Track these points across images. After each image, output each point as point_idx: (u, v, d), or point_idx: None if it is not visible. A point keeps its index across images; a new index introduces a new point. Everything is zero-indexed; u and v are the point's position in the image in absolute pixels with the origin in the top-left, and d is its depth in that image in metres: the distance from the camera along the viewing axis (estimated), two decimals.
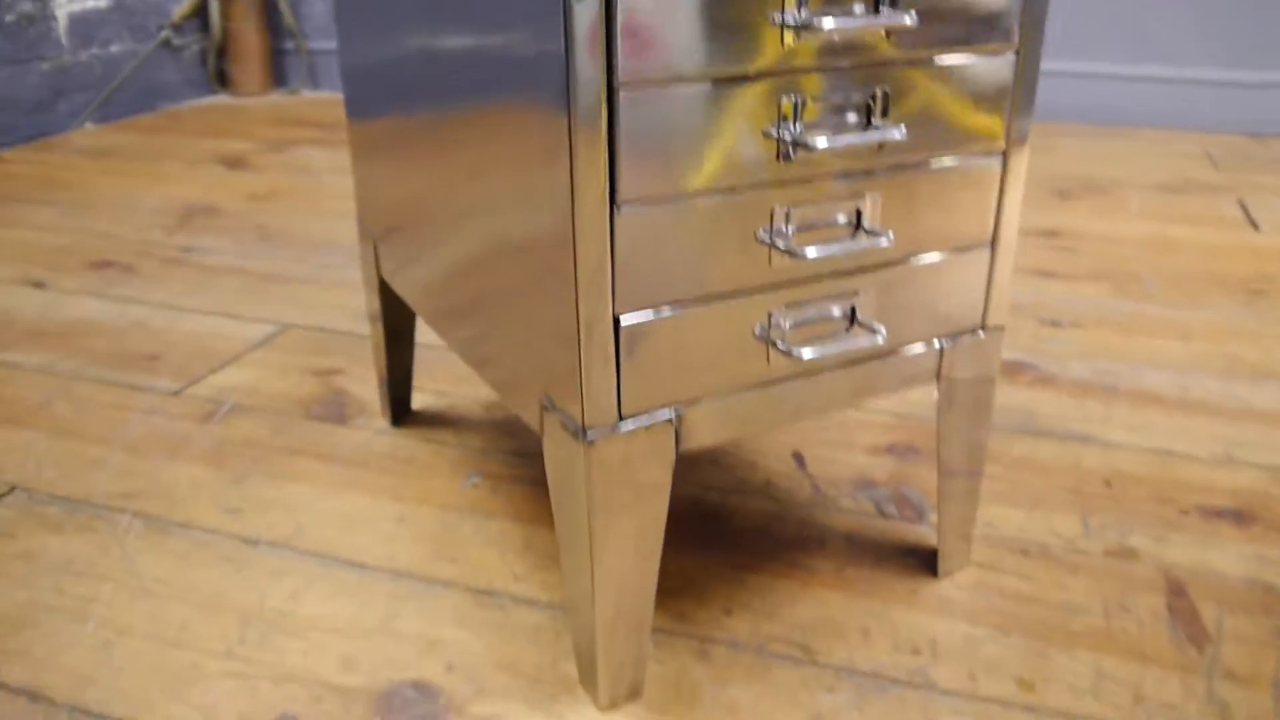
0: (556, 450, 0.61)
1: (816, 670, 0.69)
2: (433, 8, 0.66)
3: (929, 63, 0.60)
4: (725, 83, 0.54)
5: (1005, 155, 0.65)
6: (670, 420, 0.60)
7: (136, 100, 2.30)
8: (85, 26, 2.11)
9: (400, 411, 1.01)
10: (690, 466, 0.93)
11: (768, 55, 0.55)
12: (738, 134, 0.56)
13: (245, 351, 1.16)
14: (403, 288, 0.85)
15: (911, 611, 0.75)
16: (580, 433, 0.58)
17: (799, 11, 0.54)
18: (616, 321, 0.56)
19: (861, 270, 0.63)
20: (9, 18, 1.94)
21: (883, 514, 0.86)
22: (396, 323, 0.96)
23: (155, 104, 2.35)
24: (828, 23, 0.54)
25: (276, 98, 2.62)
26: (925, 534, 0.83)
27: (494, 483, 0.91)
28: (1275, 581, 0.77)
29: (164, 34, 2.30)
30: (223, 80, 2.58)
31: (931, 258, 0.66)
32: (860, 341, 0.63)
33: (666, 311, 0.58)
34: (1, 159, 1.98)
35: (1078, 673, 0.69)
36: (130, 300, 1.31)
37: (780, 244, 0.59)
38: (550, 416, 0.61)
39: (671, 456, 0.61)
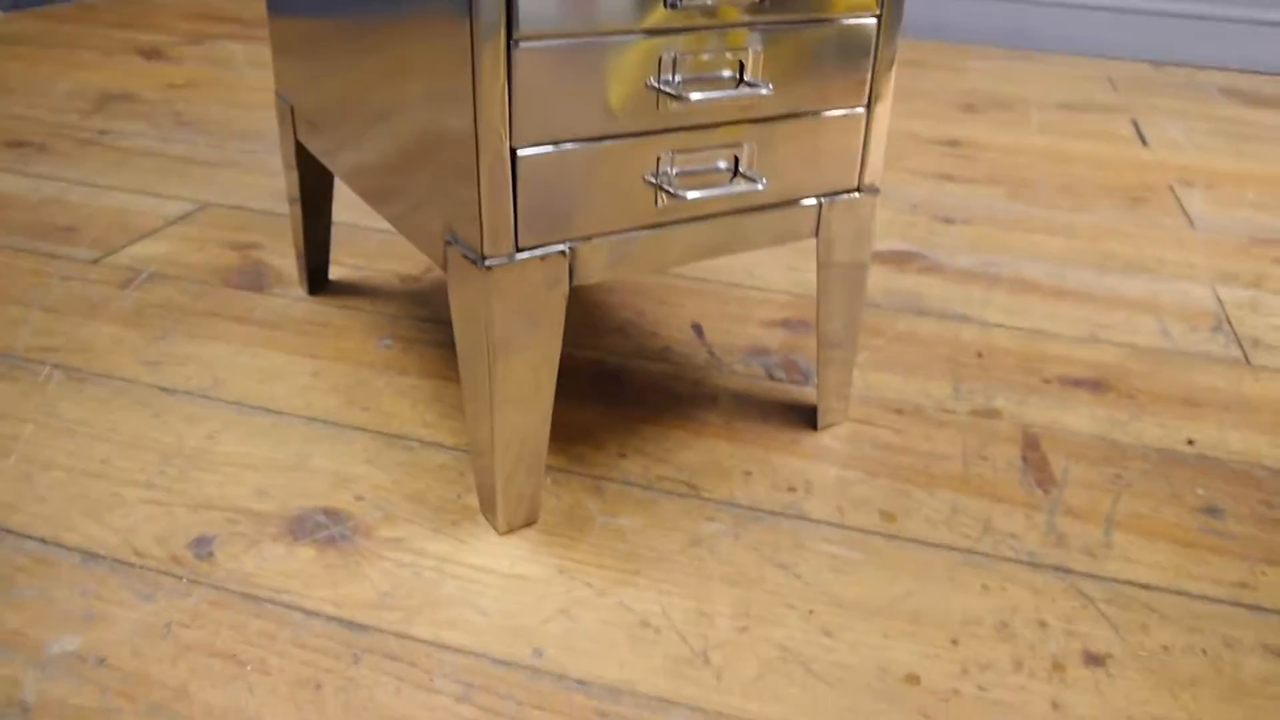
0: (459, 283, 0.66)
1: (700, 503, 0.76)
2: None
3: None
4: None
5: (879, 19, 0.70)
6: (564, 253, 0.65)
7: None
8: None
9: (317, 281, 1.04)
10: (593, 333, 0.99)
11: None
12: None
13: (163, 226, 1.18)
14: (317, 145, 0.88)
15: (790, 458, 0.81)
16: (479, 260, 0.62)
17: None
18: (514, 154, 0.60)
19: (745, 123, 0.68)
20: None
21: (772, 377, 0.92)
22: (313, 191, 0.99)
23: None
24: None
25: None
26: (810, 394, 0.90)
27: (406, 344, 0.95)
28: (1120, 438, 0.86)
29: None
30: None
31: (810, 117, 0.71)
32: (741, 188, 0.68)
33: (562, 147, 0.62)
34: None
35: (935, 508, 0.76)
36: (45, 177, 1.31)
37: (667, 88, 0.63)
38: (453, 250, 0.65)
39: (565, 288, 0.66)
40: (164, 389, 0.86)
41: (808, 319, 1.03)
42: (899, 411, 0.88)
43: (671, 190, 0.66)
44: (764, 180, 0.69)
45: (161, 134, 1.50)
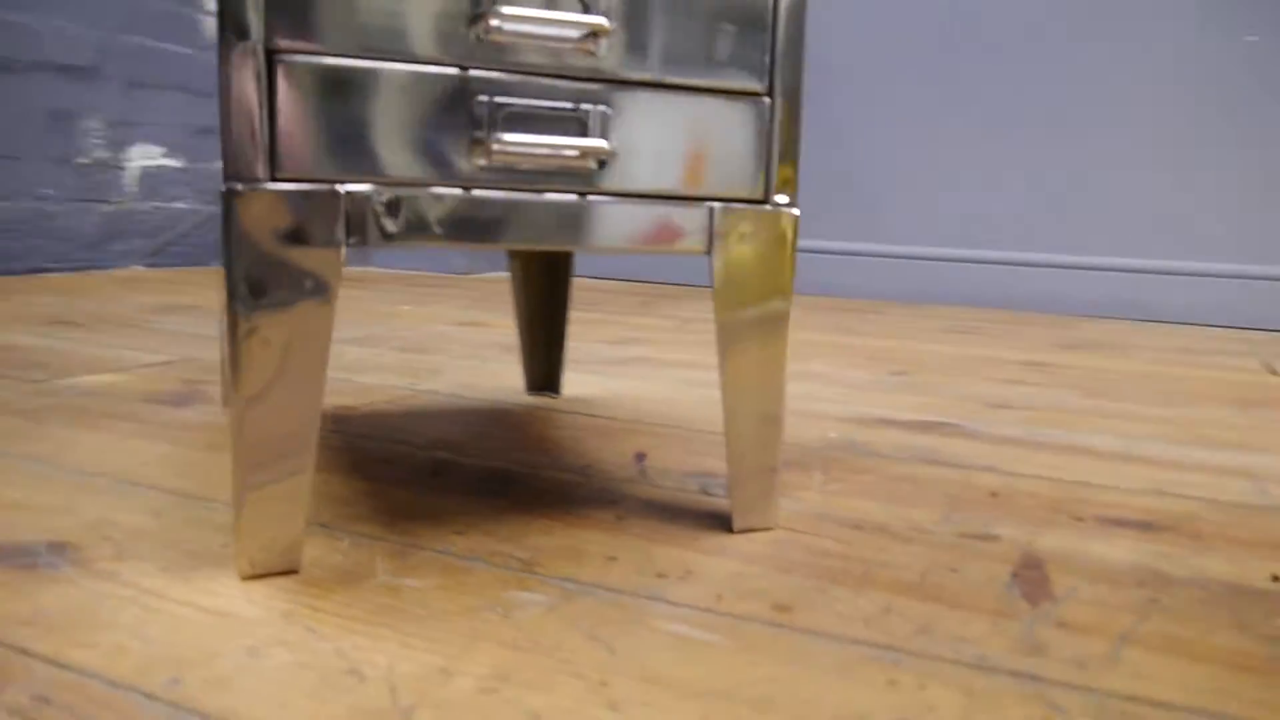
0: (223, 229, 0.54)
1: (523, 577, 0.55)
2: None
3: None
4: None
5: None
6: (336, 194, 0.52)
7: (191, 254, 2.44)
8: (154, 180, 2.29)
9: None
10: (505, 446, 0.82)
11: None
12: None
13: (131, 368, 1.13)
14: None
15: (680, 550, 0.60)
16: (227, 187, 0.50)
17: None
18: (270, 56, 0.51)
19: (593, 81, 0.56)
20: (82, 160, 2.12)
21: (706, 493, 0.73)
22: None
23: (208, 261, 2.49)
24: None
25: None
26: None
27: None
28: (1168, 569, 0.60)
29: None
30: None
31: (683, 93, 0.58)
32: (578, 141, 0.55)
33: (338, 60, 0.52)
34: (47, 279, 2.10)
35: (857, 606, 0.53)
36: (63, 339, 1.31)
37: (472, 6, 0.53)
38: (225, 196, 0.54)
39: (339, 244, 0.53)
40: None
41: (793, 460, 0.83)
42: (856, 527, 0.66)
43: (484, 137, 0.54)
44: (609, 142, 0.56)
45: (211, 325, 1.50)
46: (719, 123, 0.59)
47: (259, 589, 0.52)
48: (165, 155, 2.30)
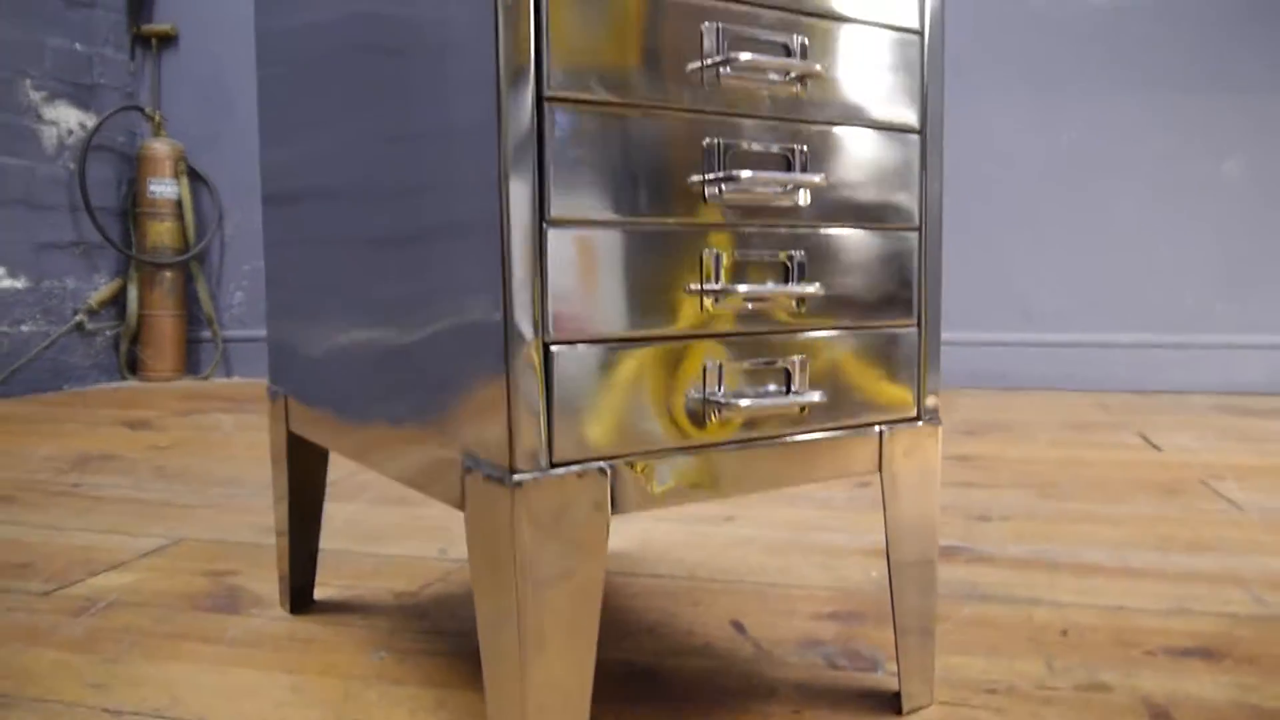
0: (479, 518, 0.55)
1: None
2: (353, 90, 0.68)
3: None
4: (654, 111, 0.56)
5: (921, 231, 0.67)
6: (604, 471, 0.55)
7: (42, 380, 2.25)
8: None
9: (301, 600, 0.91)
10: (617, 634, 0.85)
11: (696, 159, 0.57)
12: (665, 167, 0.57)
13: (130, 560, 1.06)
14: (313, 424, 0.80)
15: None
16: (506, 476, 0.53)
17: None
18: (547, 350, 0.53)
19: (796, 331, 0.62)
20: None
21: (834, 666, 0.79)
22: (303, 493, 0.90)
23: (61, 385, 2.31)
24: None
25: (188, 382, 2.59)
26: (882, 681, 0.76)
27: (403, 655, 0.81)
28: (1263, 704, 0.72)
29: (78, 317, 2.30)
30: (133, 367, 2.56)
31: (860, 332, 0.65)
32: (798, 399, 0.61)
33: (598, 347, 0.55)
34: None
35: None
36: (5, 523, 1.20)
37: (710, 286, 0.58)
38: (472, 478, 0.56)
39: (606, 514, 0.56)
40: (108, 710, 0.71)
41: (860, 611, 0.90)
42: (992, 691, 0.74)
43: (722, 400, 0.58)
44: (820, 393, 0.62)
45: (139, 484, 1.42)
46: (882, 355, 0.66)
47: None
48: (7, 275, 2.12)
